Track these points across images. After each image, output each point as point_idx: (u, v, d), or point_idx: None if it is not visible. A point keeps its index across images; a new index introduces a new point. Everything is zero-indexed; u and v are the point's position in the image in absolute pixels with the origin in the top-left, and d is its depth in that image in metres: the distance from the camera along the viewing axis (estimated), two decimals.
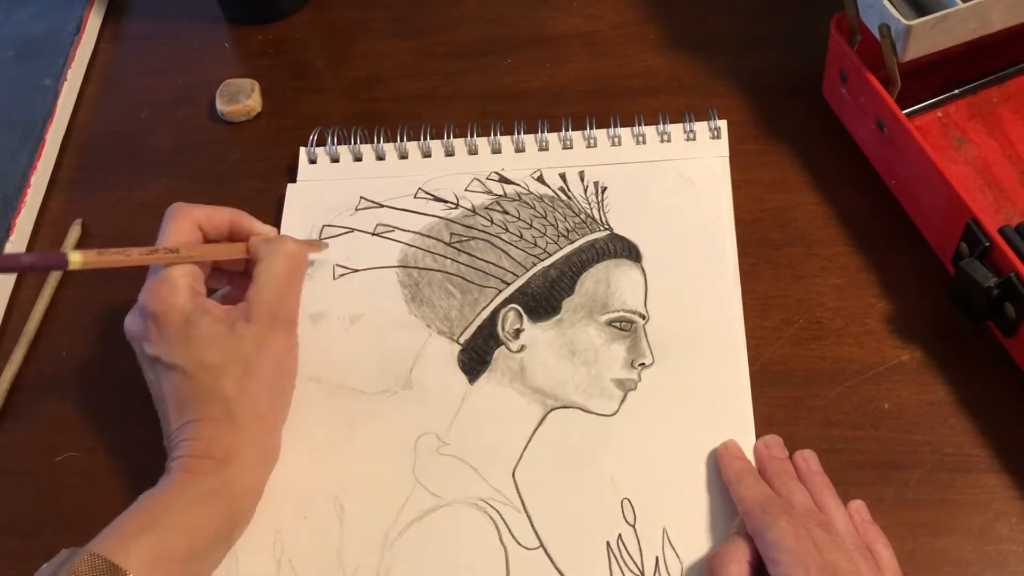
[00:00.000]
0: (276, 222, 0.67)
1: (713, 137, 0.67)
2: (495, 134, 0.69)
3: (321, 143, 0.70)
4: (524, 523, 0.54)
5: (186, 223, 0.56)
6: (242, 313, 0.54)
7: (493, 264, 0.63)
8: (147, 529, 0.48)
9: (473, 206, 0.66)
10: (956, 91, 0.67)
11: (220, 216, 0.58)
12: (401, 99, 0.74)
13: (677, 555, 0.53)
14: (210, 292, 0.58)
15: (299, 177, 0.69)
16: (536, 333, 0.60)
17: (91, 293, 0.67)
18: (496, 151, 0.68)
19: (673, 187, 0.65)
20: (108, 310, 0.66)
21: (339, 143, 0.70)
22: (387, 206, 0.67)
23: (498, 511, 0.55)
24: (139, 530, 0.48)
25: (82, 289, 0.67)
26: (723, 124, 0.67)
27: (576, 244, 0.63)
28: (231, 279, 0.61)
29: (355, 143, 0.70)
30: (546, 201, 0.66)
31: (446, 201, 0.66)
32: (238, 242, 0.58)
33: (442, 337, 0.61)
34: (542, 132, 0.68)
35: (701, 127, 0.67)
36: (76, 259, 0.50)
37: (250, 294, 0.54)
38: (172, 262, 0.54)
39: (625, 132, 0.68)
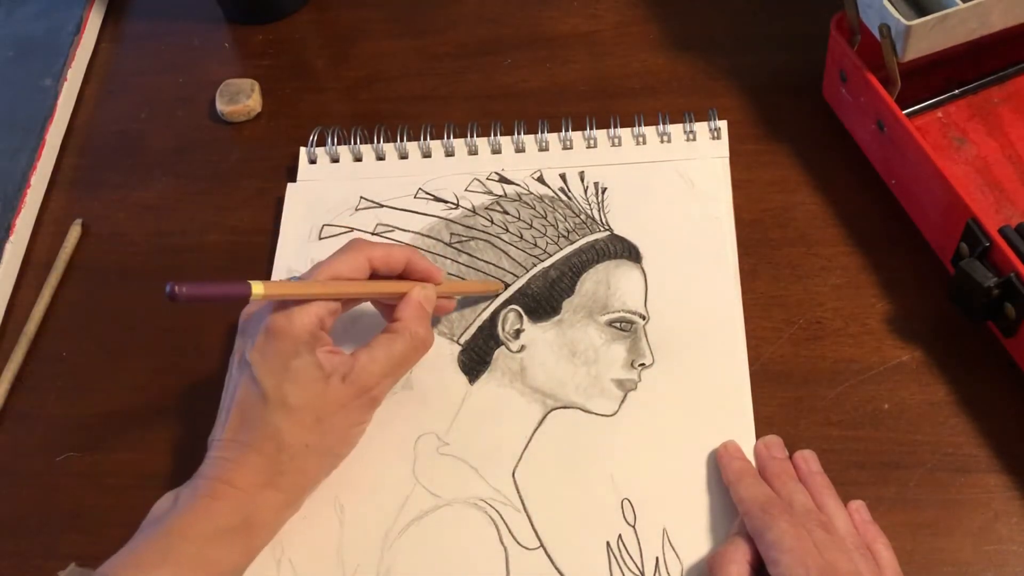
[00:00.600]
0: (276, 222, 0.67)
1: (713, 137, 0.67)
2: (495, 134, 0.69)
3: (321, 143, 0.70)
4: (524, 523, 0.54)
5: (360, 258, 0.54)
6: (343, 371, 0.52)
7: (493, 265, 0.63)
8: (163, 561, 0.47)
9: (473, 206, 0.66)
10: (956, 91, 0.67)
11: (398, 256, 0.55)
12: (401, 99, 0.74)
13: (677, 555, 0.53)
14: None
15: (299, 177, 0.69)
16: (536, 333, 0.60)
17: (91, 293, 0.67)
18: (496, 151, 0.68)
19: (673, 188, 0.65)
20: (108, 310, 0.66)
21: (339, 143, 0.70)
22: (387, 206, 0.67)
23: (498, 511, 0.55)
24: (155, 561, 0.47)
25: (82, 289, 0.68)
26: (723, 124, 0.67)
27: (576, 245, 0.63)
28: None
29: (355, 143, 0.70)
30: (546, 201, 0.66)
31: (446, 201, 0.66)
32: (405, 283, 0.56)
33: (442, 338, 0.61)
34: (542, 132, 0.68)
35: (701, 127, 0.67)
36: (258, 290, 0.49)
37: (361, 357, 0.53)
38: (341, 296, 0.53)
39: (625, 132, 0.68)
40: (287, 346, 0.51)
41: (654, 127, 0.68)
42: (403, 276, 0.56)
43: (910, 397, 0.57)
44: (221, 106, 0.74)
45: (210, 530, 0.49)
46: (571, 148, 0.68)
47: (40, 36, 0.79)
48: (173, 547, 0.48)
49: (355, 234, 0.65)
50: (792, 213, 0.64)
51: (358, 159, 0.70)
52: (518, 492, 0.55)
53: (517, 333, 0.60)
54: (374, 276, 0.55)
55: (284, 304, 0.52)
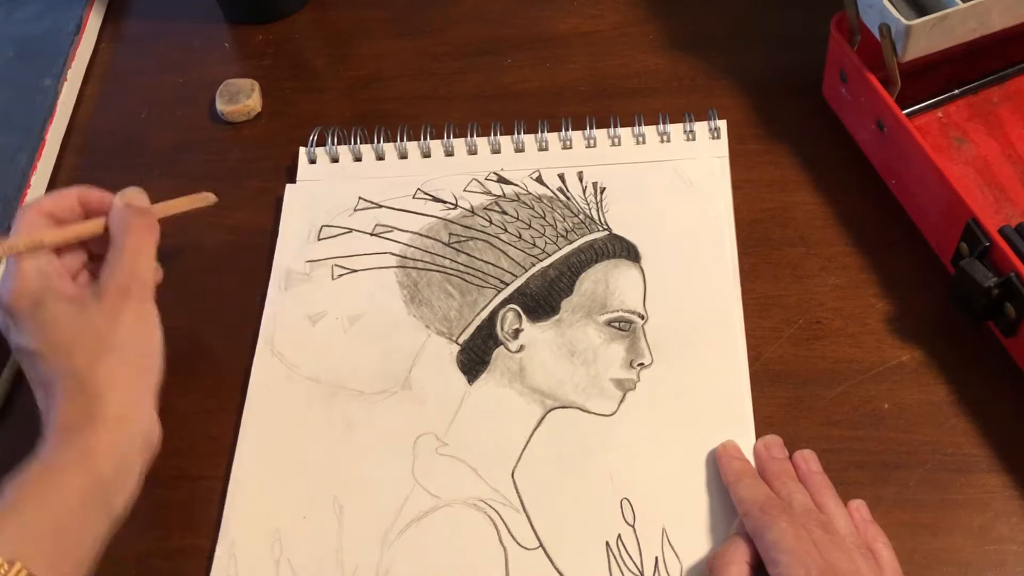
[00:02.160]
0: (275, 222, 0.67)
1: (712, 137, 0.67)
2: (495, 134, 0.69)
3: (321, 143, 0.70)
4: (523, 523, 0.54)
5: (32, 217, 0.56)
6: (92, 291, 0.54)
7: (492, 264, 0.63)
8: (9, 512, 0.48)
9: (472, 206, 0.66)
10: (956, 91, 0.66)
11: (66, 198, 0.57)
12: (401, 99, 0.74)
13: (676, 555, 0.53)
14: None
15: (299, 177, 0.69)
16: (535, 333, 0.60)
17: None
18: (495, 151, 0.68)
19: (672, 187, 0.65)
20: None
21: (339, 143, 0.70)
22: (386, 206, 0.67)
23: (497, 511, 0.55)
24: (2, 515, 0.48)
25: None
26: (723, 124, 0.67)
27: (575, 244, 0.63)
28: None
29: (355, 143, 0.70)
30: (545, 201, 0.66)
31: (445, 201, 0.66)
32: (96, 219, 0.58)
33: (441, 337, 0.61)
34: (542, 132, 0.68)
35: (701, 127, 0.67)
36: None
37: (102, 272, 0.55)
38: (39, 245, 0.54)
39: (625, 132, 0.68)
40: (26, 305, 0.53)
41: (653, 127, 0.68)
42: (95, 214, 0.58)
43: (910, 397, 0.57)
44: (221, 106, 0.74)
45: (48, 471, 0.49)
46: (570, 148, 0.68)
47: (40, 36, 0.79)
48: (17, 498, 0.48)
49: (353, 235, 0.66)
50: (792, 213, 0.64)
51: (358, 159, 0.70)
52: (517, 492, 0.55)
53: (516, 333, 0.60)
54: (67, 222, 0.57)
55: (1, 283, 0.54)
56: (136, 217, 0.57)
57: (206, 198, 0.64)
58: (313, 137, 0.70)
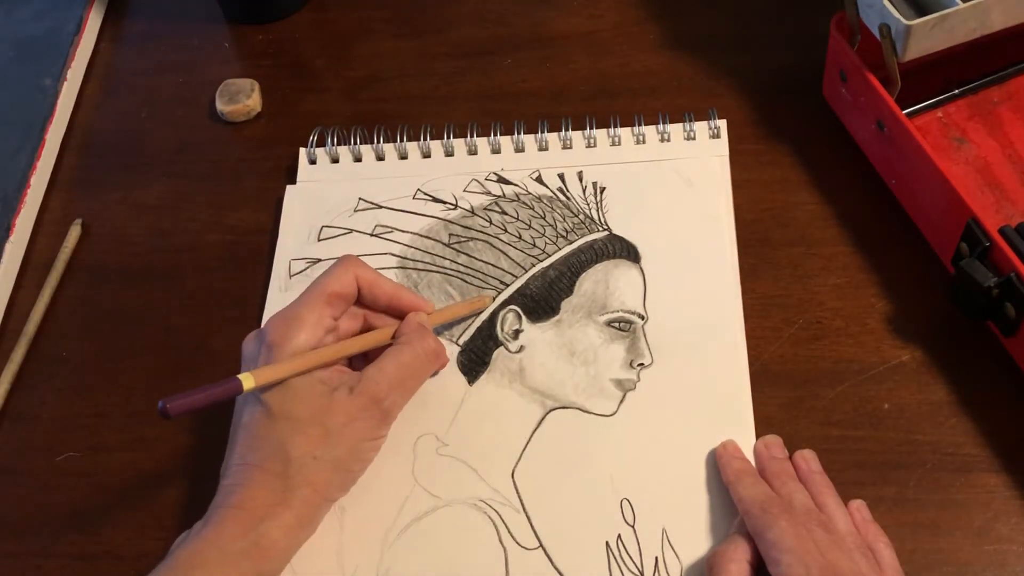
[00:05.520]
0: (275, 223, 0.67)
1: (712, 136, 0.67)
2: (495, 134, 0.69)
3: (321, 143, 0.70)
4: (523, 523, 0.54)
5: (348, 275, 0.55)
6: (349, 383, 0.52)
7: (492, 265, 0.63)
8: None
9: (472, 207, 0.66)
10: (956, 91, 0.66)
11: (384, 287, 0.56)
12: (401, 99, 0.74)
13: (676, 555, 0.53)
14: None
15: (299, 178, 0.69)
16: (535, 334, 0.60)
17: (91, 293, 0.67)
18: (496, 151, 0.68)
19: (672, 187, 0.65)
20: (108, 310, 0.66)
21: (339, 143, 0.70)
22: (386, 207, 0.67)
23: (497, 511, 0.55)
24: None
25: (82, 289, 0.68)
26: (723, 124, 0.67)
27: (575, 245, 0.63)
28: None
29: (355, 143, 0.70)
30: (545, 202, 0.66)
31: (444, 202, 0.66)
32: (386, 328, 0.56)
33: (441, 338, 0.61)
34: (542, 132, 0.68)
35: (701, 127, 0.67)
36: (249, 384, 0.49)
37: (369, 369, 0.53)
38: (331, 361, 0.53)
39: (625, 132, 0.68)
40: (284, 357, 0.51)
41: (654, 127, 0.68)
42: (389, 310, 0.57)
43: (910, 397, 0.57)
44: (221, 106, 0.74)
45: (216, 557, 0.48)
46: (570, 148, 0.68)
47: (40, 36, 0.79)
48: None
49: (353, 235, 0.66)
50: (792, 213, 0.64)
51: (358, 159, 0.70)
52: (517, 492, 0.55)
53: (516, 333, 0.60)
54: (359, 300, 0.56)
55: (278, 318, 0.53)
56: (428, 339, 0.55)
57: (482, 302, 0.61)
58: (313, 137, 0.70)
